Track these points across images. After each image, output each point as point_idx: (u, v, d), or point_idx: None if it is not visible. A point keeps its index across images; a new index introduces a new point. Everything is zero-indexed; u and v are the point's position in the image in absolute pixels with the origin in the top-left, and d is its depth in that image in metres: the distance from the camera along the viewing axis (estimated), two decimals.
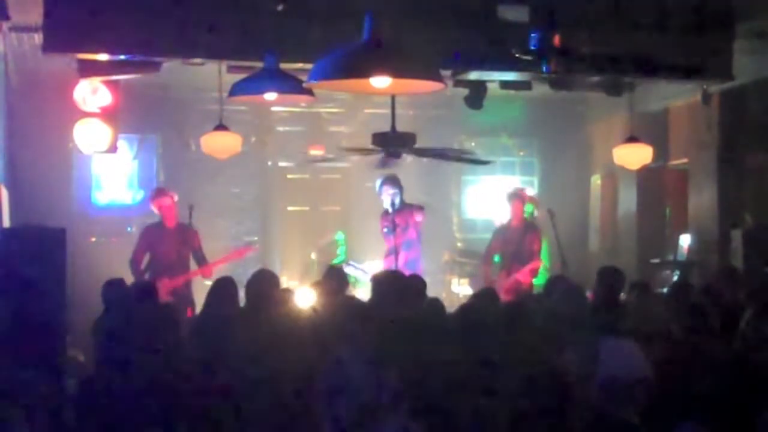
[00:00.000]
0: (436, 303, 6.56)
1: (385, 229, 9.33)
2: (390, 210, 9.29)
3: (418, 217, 9.48)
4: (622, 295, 7.31)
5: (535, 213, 10.58)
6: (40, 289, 6.86)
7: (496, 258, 9.91)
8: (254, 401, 5.01)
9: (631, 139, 10.06)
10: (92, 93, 8.62)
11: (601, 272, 7.44)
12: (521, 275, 9.43)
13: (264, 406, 5.01)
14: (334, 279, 7.46)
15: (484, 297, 6.87)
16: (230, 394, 5.05)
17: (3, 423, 4.48)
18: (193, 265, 9.44)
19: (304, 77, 6.72)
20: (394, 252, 9.10)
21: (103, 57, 8.09)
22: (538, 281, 9.32)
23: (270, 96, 7.79)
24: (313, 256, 11.38)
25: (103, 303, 6.93)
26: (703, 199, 10.84)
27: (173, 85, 11.08)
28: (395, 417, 2.51)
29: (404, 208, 9.46)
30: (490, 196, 12.88)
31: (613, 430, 4.02)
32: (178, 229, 9.39)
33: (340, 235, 11.52)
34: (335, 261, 11.02)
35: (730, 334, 5.75)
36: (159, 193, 9.64)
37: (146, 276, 9.08)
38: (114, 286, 7.10)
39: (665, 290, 9.43)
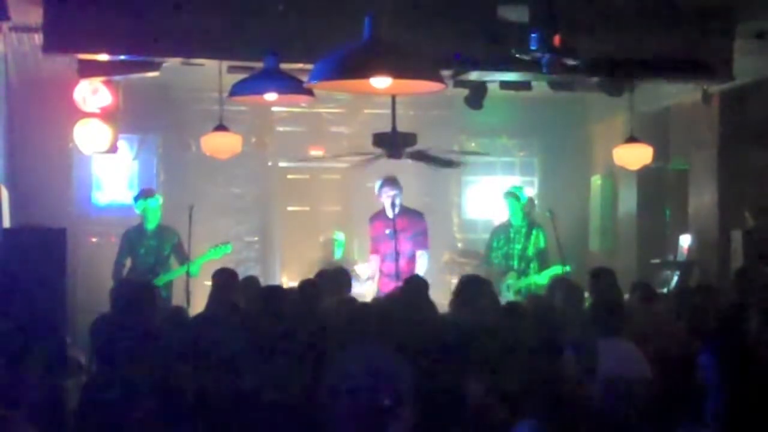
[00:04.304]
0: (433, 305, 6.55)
1: (387, 231, 9.18)
2: (391, 213, 9.17)
3: (420, 228, 9.31)
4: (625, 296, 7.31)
5: (536, 213, 10.56)
6: (40, 289, 6.87)
7: (495, 260, 9.87)
8: (255, 400, 5.00)
9: (631, 139, 10.06)
10: (92, 93, 8.61)
11: (595, 274, 7.45)
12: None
13: (266, 405, 5.01)
14: (336, 278, 7.45)
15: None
16: (231, 393, 5.04)
17: (3, 423, 4.47)
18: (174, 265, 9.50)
19: (304, 77, 6.72)
20: (395, 257, 8.94)
21: (103, 57, 8.09)
22: (542, 281, 9.30)
23: (270, 96, 7.78)
24: (321, 253, 11.36)
25: (111, 303, 6.91)
26: (703, 199, 10.83)
27: (173, 85, 11.09)
28: (400, 420, 2.51)
29: (403, 212, 9.27)
30: (490, 197, 12.88)
31: (613, 430, 4.02)
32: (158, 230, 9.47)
33: (339, 235, 11.49)
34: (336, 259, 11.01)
35: (732, 335, 5.76)
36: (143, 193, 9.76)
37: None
38: (124, 286, 7.12)
39: (665, 291, 9.42)
